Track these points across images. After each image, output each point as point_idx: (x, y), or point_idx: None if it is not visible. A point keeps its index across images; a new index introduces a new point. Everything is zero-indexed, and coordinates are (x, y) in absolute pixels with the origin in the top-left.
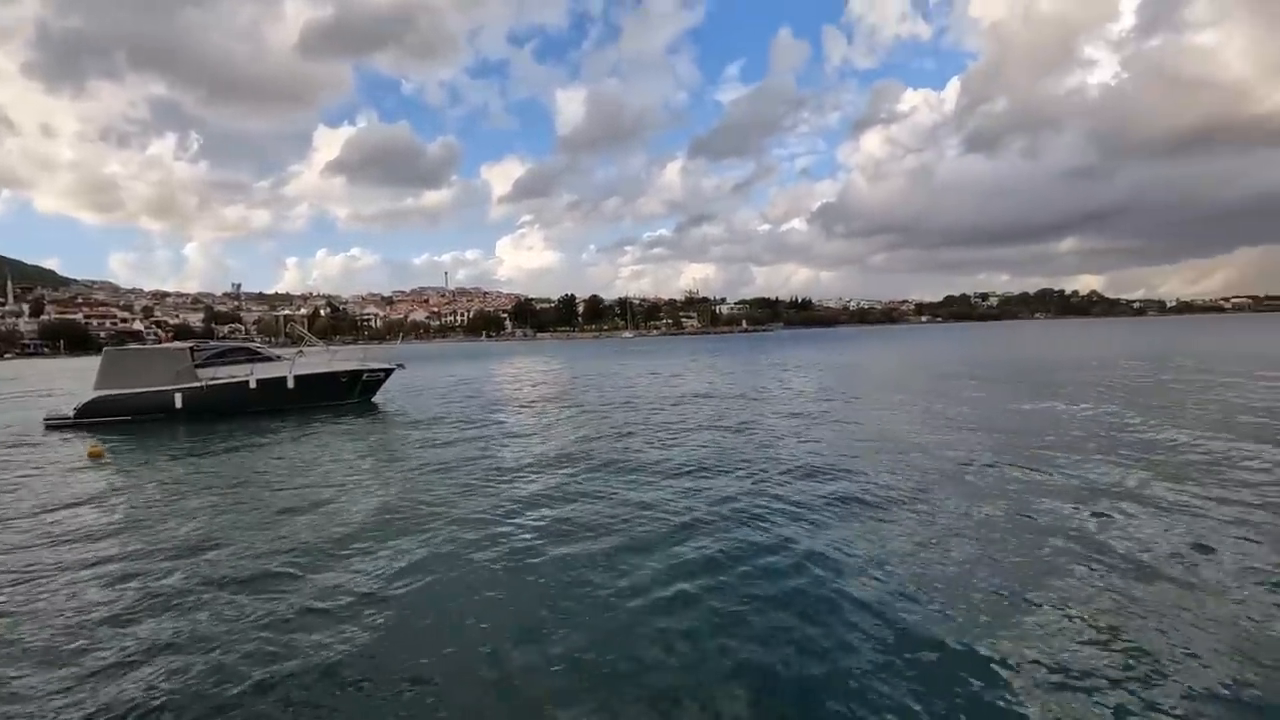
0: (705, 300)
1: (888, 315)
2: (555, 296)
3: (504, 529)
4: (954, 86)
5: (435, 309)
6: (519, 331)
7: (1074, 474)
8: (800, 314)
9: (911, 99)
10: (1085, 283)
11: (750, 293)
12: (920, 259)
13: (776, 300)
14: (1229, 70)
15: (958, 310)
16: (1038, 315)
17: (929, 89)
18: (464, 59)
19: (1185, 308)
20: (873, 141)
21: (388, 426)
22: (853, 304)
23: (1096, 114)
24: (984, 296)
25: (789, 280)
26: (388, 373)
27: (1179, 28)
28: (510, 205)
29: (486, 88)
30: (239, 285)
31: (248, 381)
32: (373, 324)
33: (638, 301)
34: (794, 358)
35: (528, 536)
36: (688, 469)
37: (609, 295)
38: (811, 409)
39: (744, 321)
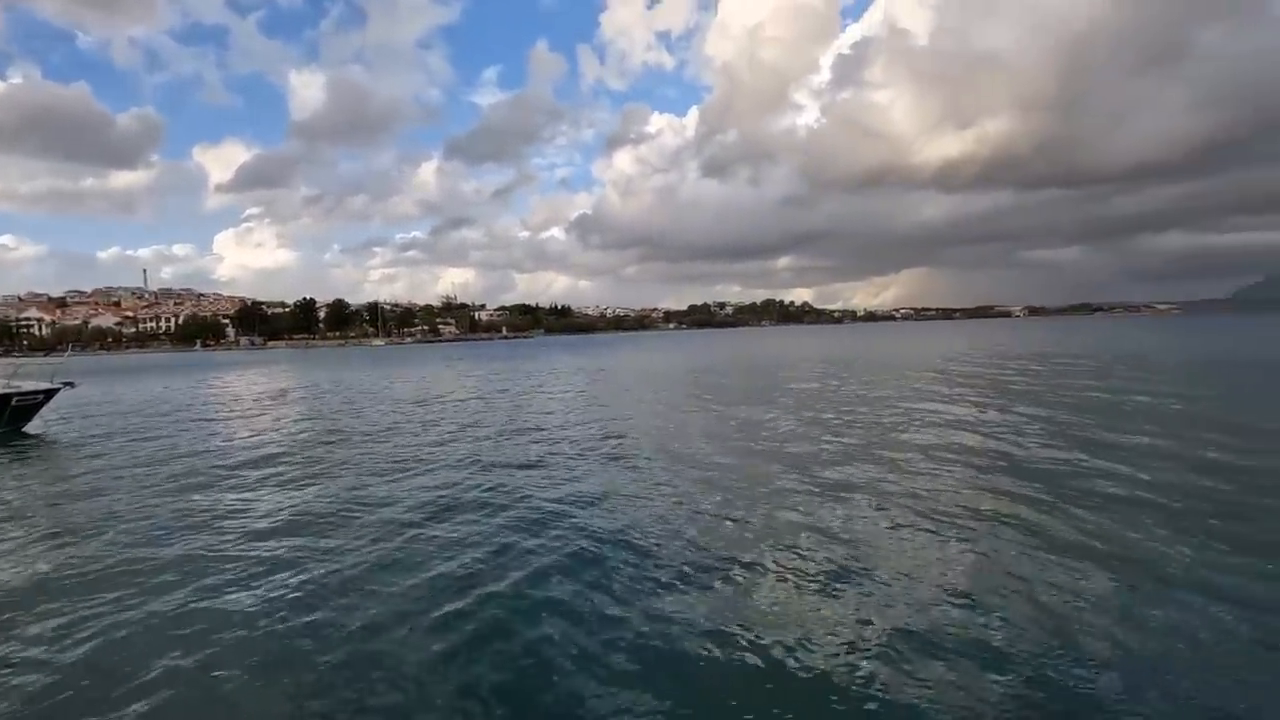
0: (464, 306)
1: (641, 322)
2: (292, 300)
3: (197, 586)
4: (694, 115)
5: (130, 313)
6: (245, 339)
7: (776, 450)
8: (561, 321)
9: (658, 122)
10: (799, 294)
11: (512, 299)
12: (668, 271)
13: (537, 307)
14: (897, 125)
15: (700, 318)
16: (764, 322)
17: (673, 115)
18: (165, 18)
19: (870, 317)
20: (624, 159)
21: (43, 465)
22: (610, 311)
23: (804, 151)
24: (722, 305)
25: (550, 287)
26: (48, 394)
27: (862, 85)
28: (233, 195)
29: (199, 57)
30: None
31: None
32: (36, 331)
33: (390, 307)
34: (558, 363)
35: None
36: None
37: (357, 300)
38: (563, 413)
39: (504, 328)
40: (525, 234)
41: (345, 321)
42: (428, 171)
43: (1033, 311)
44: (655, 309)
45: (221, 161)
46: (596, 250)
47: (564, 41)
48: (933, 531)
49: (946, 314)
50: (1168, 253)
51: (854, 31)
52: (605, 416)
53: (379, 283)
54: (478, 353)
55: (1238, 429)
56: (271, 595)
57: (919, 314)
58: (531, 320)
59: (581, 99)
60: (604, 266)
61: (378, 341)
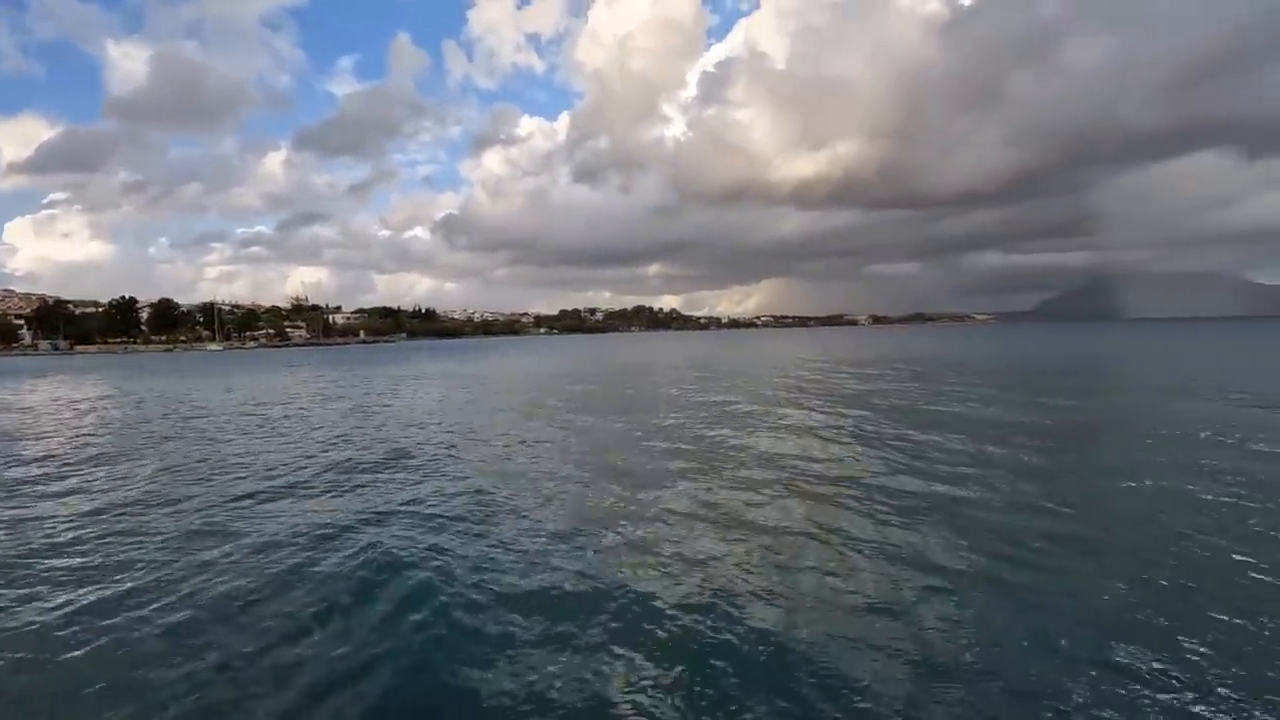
0: (316, 308)
1: (510, 327)
2: (106, 299)
3: None
4: (565, 120)
5: None
6: (44, 343)
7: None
8: (425, 324)
9: (529, 125)
10: (667, 301)
11: (371, 301)
12: (538, 275)
13: (399, 310)
14: (758, 143)
15: (571, 323)
16: (634, 328)
17: (544, 118)
18: None
19: (733, 323)
20: (494, 159)
21: None
22: (478, 315)
23: (672, 162)
24: (593, 311)
25: (413, 289)
26: None
27: (725, 103)
28: (30, 176)
29: None
30: None
31: None
32: None
33: (229, 308)
34: (419, 369)
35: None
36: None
37: (190, 300)
38: (411, 423)
39: (362, 332)
40: (386, 233)
41: (174, 324)
42: (274, 162)
43: (876, 320)
44: (525, 313)
45: (17, 136)
46: (464, 252)
47: (428, 35)
48: (738, 528)
49: (802, 322)
50: (987, 270)
51: (718, 51)
52: (457, 424)
53: (217, 281)
54: (330, 358)
55: (1029, 429)
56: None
57: (778, 321)
58: (393, 324)
59: (448, 95)
60: (472, 269)
61: (213, 346)
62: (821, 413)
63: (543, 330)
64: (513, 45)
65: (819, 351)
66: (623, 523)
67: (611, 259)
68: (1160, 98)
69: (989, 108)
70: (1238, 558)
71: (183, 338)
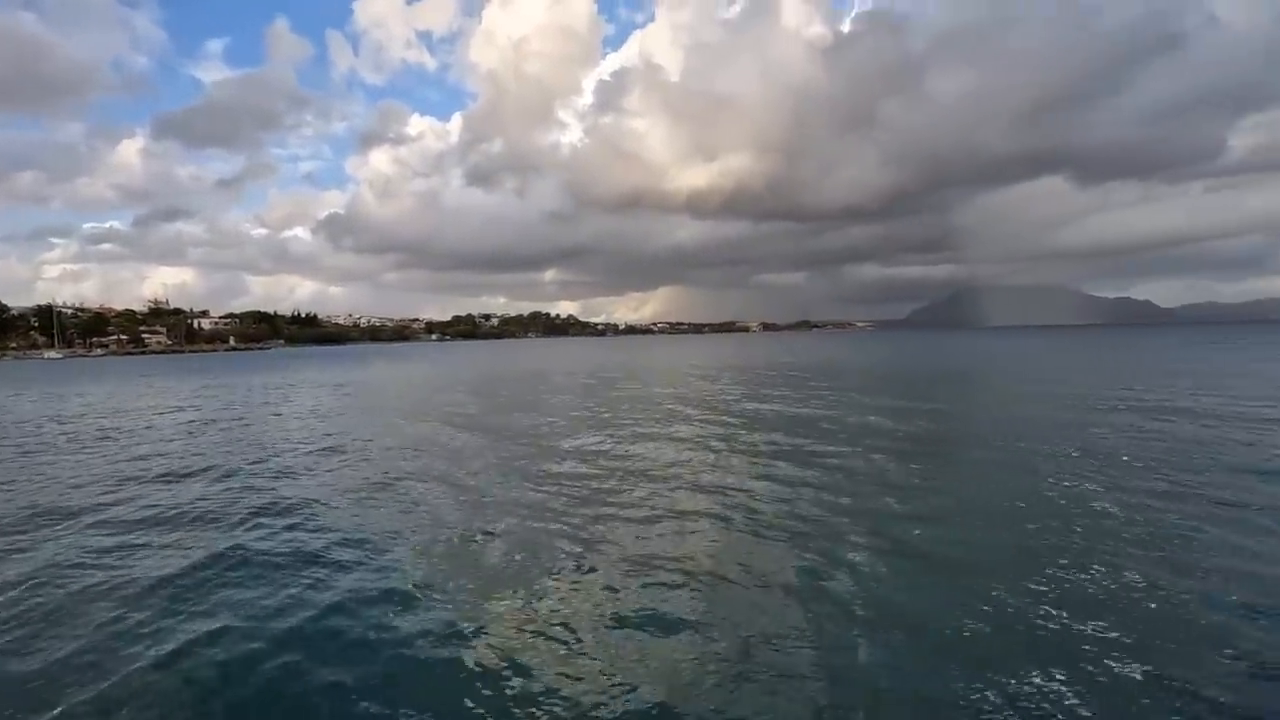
0: (179, 312)
1: (400, 333)
2: None
3: None
4: (458, 121)
5: None
6: None
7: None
8: (305, 330)
9: (420, 124)
10: (564, 307)
11: (246, 305)
12: (430, 279)
13: (276, 315)
14: (653, 152)
15: (465, 329)
16: (530, 334)
17: (436, 118)
18: None
19: (630, 330)
20: (382, 158)
21: None
22: (364, 321)
23: (568, 168)
24: (487, 317)
25: (294, 292)
26: None
27: (622, 112)
28: None
29: None
30: None
31: None
32: None
33: (73, 310)
34: (294, 377)
35: None
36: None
37: (24, 301)
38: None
39: (233, 338)
40: (262, 231)
41: (2, 329)
42: (130, 150)
43: (767, 327)
44: (416, 319)
45: None
46: (349, 253)
47: (309, 24)
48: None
49: (697, 328)
50: (865, 281)
51: (614, 60)
52: (323, 436)
53: (59, 281)
54: (192, 366)
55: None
56: None
57: (674, 328)
58: (269, 329)
59: (332, 88)
60: (359, 271)
61: (51, 354)
62: (698, 422)
63: (435, 337)
64: (402, 41)
65: (710, 357)
66: (477, 534)
67: (507, 264)
68: (1010, 127)
69: (866, 130)
70: (1063, 522)
71: (13, 344)
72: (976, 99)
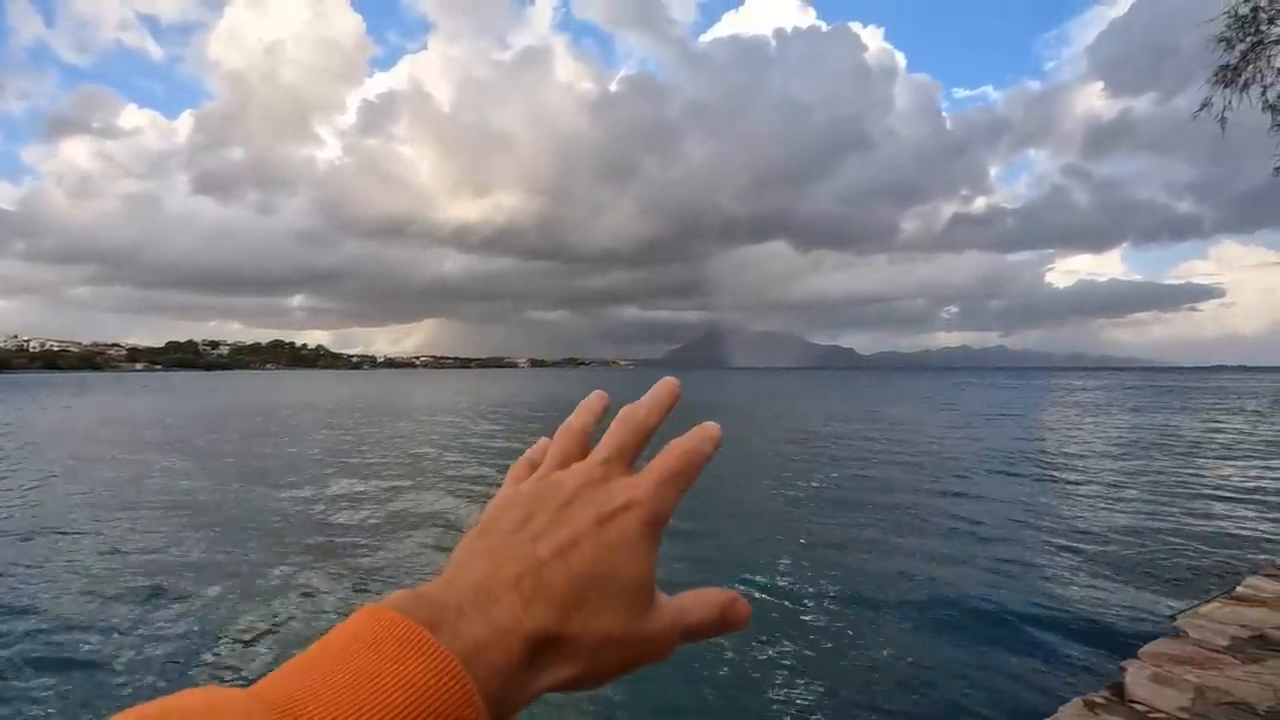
0: None
1: (90, 360)
2: None
3: None
4: (188, 119)
5: None
6: None
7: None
8: None
9: (136, 117)
10: (314, 336)
11: None
12: (138, 298)
13: None
14: (420, 180)
15: (185, 358)
16: (269, 365)
17: (159, 113)
18: None
19: (390, 363)
20: (79, 150)
21: None
22: (39, 344)
23: (323, 186)
24: (215, 344)
25: None
26: None
27: (389, 136)
28: None
29: None
30: None
31: None
32: None
33: None
34: None
35: None
36: None
37: None
38: None
39: None
40: None
41: None
42: None
43: (535, 363)
44: (116, 344)
45: None
46: (19, 260)
47: None
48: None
49: (464, 363)
50: (627, 321)
51: (382, 81)
52: None
53: None
54: None
55: None
56: None
57: (439, 362)
58: None
59: (11, 59)
60: (33, 283)
61: None
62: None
63: (141, 366)
64: (117, 21)
65: (468, 394)
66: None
67: (243, 285)
68: (746, 193)
69: (626, 181)
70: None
71: None
72: (718, 166)
